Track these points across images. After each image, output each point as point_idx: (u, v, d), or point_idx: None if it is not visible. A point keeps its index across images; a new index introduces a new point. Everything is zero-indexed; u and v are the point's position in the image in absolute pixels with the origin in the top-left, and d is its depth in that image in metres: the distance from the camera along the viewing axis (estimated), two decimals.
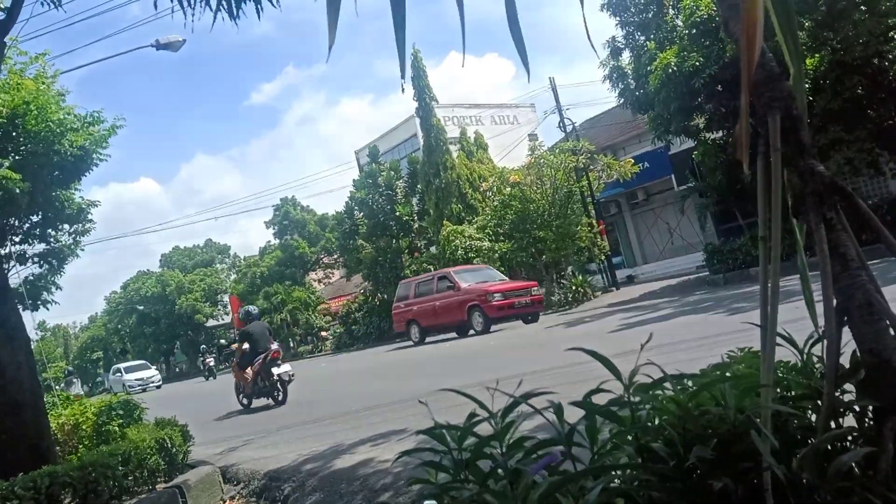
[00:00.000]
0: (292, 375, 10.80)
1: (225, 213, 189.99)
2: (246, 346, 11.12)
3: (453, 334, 19.69)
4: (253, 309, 12.04)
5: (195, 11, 3.12)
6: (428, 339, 20.26)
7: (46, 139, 10.38)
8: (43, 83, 10.63)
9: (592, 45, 1.72)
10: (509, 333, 16.17)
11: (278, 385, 10.72)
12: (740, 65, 1.47)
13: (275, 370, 10.61)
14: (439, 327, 20.03)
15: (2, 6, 4.19)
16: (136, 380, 38.06)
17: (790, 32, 1.40)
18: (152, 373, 40.72)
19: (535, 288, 19.32)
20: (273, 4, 3.18)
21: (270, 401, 10.97)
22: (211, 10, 3.14)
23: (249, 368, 11.05)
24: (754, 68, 1.38)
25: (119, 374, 40.58)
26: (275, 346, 11.16)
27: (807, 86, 15.01)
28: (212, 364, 34.83)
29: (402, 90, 1.77)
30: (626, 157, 24.89)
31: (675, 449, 1.27)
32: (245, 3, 3.22)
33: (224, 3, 3.17)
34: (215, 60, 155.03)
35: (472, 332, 18.59)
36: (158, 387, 37.72)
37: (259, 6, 3.20)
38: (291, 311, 40.77)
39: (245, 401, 11.32)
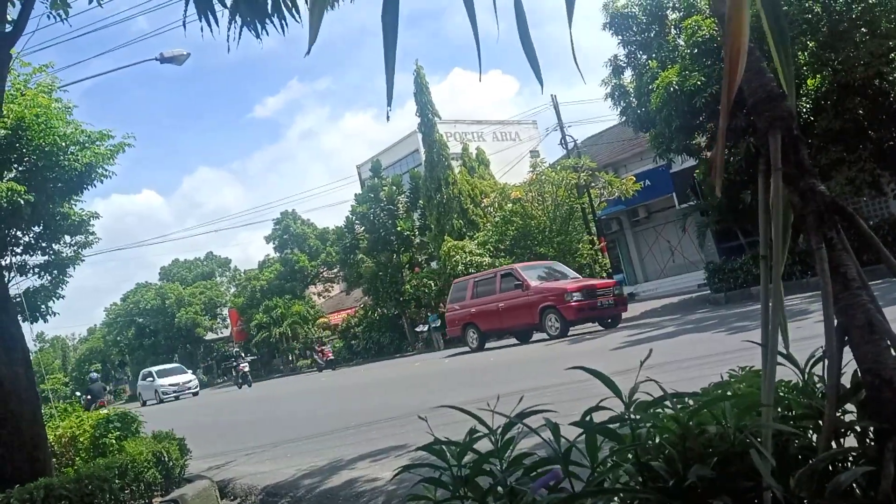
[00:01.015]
0: None
1: (226, 226, 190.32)
2: (88, 396, 17.05)
3: (514, 340, 18.01)
4: (94, 375, 19.44)
5: (221, 28, 3.13)
6: (487, 345, 18.43)
7: (51, 152, 10.41)
8: (46, 93, 10.68)
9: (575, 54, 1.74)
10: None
11: None
12: (743, 86, 1.48)
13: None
14: (503, 331, 18.15)
15: (8, 18, 4.22)
16: (170, 385, 33.64)
17: (785, 58, 1.41)
18: (189, 377, 35.39)
19: (617, 287, 17.15)
20: (296, 20, 3.19)
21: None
22: (249, 27, 3.16)
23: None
24: (734, 94, 1.39)
25: (150, 380, 35.53)
26: (103, 399, 17.65)
27: (808, 106, 15.10)
28: (247, 370, 31.30)
29: (388, 118, 1.72)
30: (627, 175, 25.01)
31: (674, 467, 1.26)
32: (271, 18, 3.23)
33: (248, 19, 3.18)
34: (219, 73, 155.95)
35: (545, 336, 16.45)
36: (196, 394, 33.38)
37: (284, 22, 3.22)
38: (291, 324, 40.68)
39: None
